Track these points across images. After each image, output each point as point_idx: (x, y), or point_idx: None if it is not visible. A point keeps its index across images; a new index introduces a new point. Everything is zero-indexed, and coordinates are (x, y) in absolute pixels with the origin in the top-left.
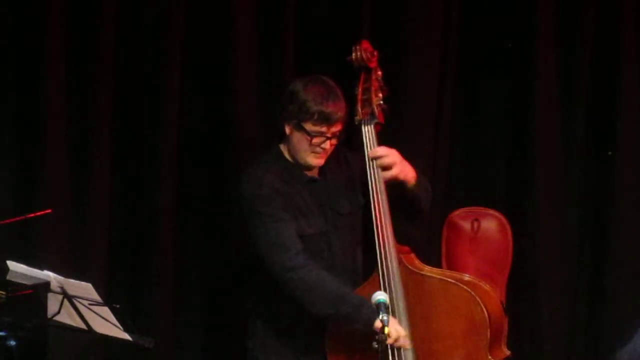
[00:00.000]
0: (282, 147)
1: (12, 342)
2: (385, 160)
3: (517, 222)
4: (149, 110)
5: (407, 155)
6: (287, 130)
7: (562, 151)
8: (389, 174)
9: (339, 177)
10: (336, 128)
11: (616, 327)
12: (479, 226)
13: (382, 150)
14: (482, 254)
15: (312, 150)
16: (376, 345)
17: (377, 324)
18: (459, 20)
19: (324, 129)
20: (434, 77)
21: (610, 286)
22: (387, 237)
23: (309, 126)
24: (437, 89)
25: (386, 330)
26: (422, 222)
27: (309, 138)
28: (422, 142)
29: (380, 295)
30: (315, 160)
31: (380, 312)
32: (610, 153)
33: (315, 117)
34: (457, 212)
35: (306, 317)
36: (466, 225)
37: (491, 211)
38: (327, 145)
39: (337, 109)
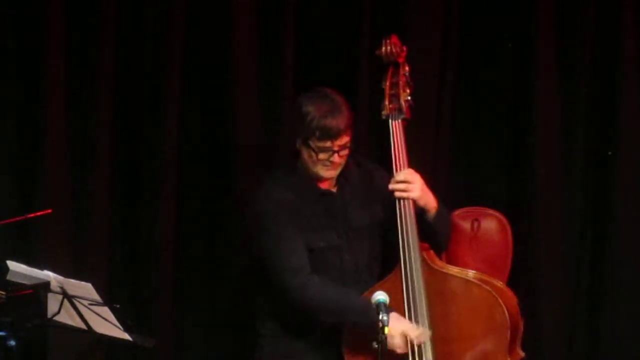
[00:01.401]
0: (298, 160)
1: (12, 342)
2: (405, 188)
3: (517, 222)
4: (149, 110)
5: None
6: (298, 144)
7: (562, 151)
8: (409, 194)
9: (358, 191)
10: (342, 141)
11: (616, 327)
12: (479, 226)
13: (404, 175)
14: (482, 254)
15: (322, 164)
16: (376, 346)
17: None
18: (459, 20)
19: (328, 144)
20: (434, 76)
21: (610, 286)
22: (411, 232)
23: (313, 142)
24: (437, 89)
25: (386, 330)
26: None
27: (315, 154)
28: (422, 142)
29: (380, 295)
30: (327, 172)
31: (380, 312)
32: (610, 153)
33: (318, 134)
34: (457, 212)
35: None
36: (466, 225)
37: (491, 211)
38: (335, 158)
39: (339, 123)
